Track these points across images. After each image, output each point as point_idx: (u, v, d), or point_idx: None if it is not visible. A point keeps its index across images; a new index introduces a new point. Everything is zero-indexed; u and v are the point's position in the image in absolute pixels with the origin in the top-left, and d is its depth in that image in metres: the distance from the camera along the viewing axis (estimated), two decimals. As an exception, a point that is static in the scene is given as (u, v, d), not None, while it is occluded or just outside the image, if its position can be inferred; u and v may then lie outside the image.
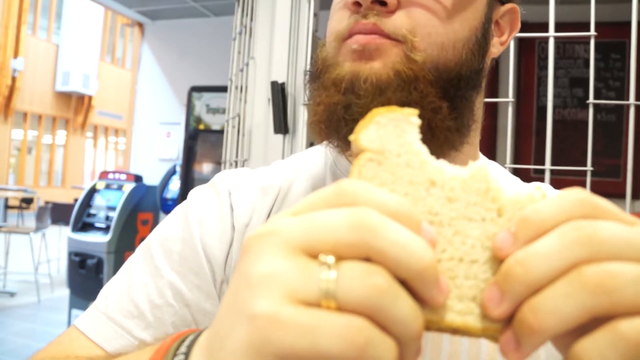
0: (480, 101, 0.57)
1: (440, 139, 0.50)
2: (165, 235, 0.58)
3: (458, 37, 0.51)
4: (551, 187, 0.65)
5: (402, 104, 0.47)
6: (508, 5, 0.57)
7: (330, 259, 0.24)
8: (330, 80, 0.50)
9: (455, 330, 0.27)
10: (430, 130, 0.49)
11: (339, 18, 0.52)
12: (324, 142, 0.56)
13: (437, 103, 0.49)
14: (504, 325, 0.26)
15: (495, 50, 0.57)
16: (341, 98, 0.49)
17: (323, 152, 0.64)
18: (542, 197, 0.29)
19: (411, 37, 0.49)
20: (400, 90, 0.48)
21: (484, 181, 0.29)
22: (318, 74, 0.53)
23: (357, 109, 0.48)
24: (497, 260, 0.27)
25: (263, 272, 0.24)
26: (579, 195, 0.27)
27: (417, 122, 0.30)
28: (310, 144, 2.21)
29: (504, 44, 0.58)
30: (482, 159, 0.64)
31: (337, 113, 0.49)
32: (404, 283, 0.25)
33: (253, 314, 0.23)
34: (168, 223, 0.60)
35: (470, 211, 0.29)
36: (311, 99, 0.55)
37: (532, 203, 0.28)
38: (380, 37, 0.49)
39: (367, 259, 0.24)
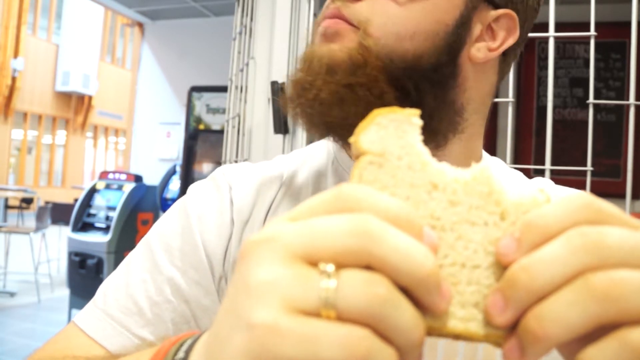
0: (469, 102, 0.56)
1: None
2: (165, 231, 0.58)
3: (420, 29, 0.51)
4: (552, 182, 0.65)
5: (350, 86, 0.50)
6: (501, 10, 0.54)
7: (330, 267, 0.24)
8: (301, 60, 0.55)
9: (458, 336, 0.27)
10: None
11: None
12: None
13: (384, 88, 0.51)
14: (507, 331, 0.26)
15: (479, 54, 0.54)
16: (302, 76, 0.53)
17: (325, 148, 0.64)
18: (546, 200, 0.28)
19: (365, 25, 0.51)
20: (349, 73, 0.51)
21: (487, 184, 0.29)
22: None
23: (311, 88, 0.52)
24: (500, 266, 0.27)
25: (262, 279, 0.24)
26: (584, 200, 0.26)
27: (419, 123, 0.29)
28: (310, 144, 2.20)
29: (493, 50, 0.55)
30: (485, 158, 0.64)
31: (297, 90, 0.53)
32: (406, 290, 0.24)
33: (252, 323, 0.23)
34: (167, 218, 0.60)
35: (472, 215, 0.28)
36: None
37: (536, 206, 0.28)
38: (341, 21, 0.52)
39: (368, 267, 0.24)
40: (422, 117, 0.49)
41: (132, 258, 0.58)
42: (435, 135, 0.54)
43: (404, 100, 0.51)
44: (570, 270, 0.24)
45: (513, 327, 0.26)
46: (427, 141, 0.53)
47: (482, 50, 0.54)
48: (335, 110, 0.51)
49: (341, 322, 0.23)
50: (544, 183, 0.65)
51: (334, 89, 0.50)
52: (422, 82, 0.52)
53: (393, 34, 0.51)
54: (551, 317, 0.24)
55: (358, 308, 0.23)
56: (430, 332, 0.26)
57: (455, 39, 0.53)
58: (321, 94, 0.51)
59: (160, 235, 0.58)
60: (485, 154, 0.64)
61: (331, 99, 0.51)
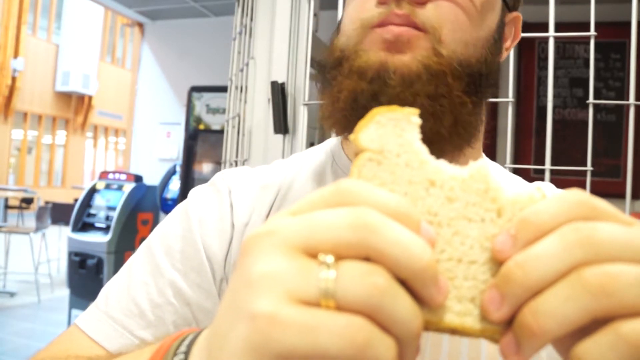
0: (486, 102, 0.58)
1: (464, 135, 0.51)
2: (166, 234, 0.58)
3: (480, 35, 0.52)
4: (552, 186, 0.65)
5: (431, 96, 0.48)
6: (514, 13, 0.58)
7: (330, 259, 0.24)
8: (355, 67, 0.50)
9: (454, 331, 0.27)
10: (456, 125, 0.49)
11: (363, 6, 0.52)
12: (337, 136, 0.56)
13: (462, 98, 0.50)
14: (503, 326, 0.26)
15: (503, 56, 0.58)
16: (367, 86, 0.48)
17: (324, 152, 0.64)
18: (542, 197, 0.28)
19: (438, 31, 0.49)
20: (428, 83, 0.48)
21: (484, 181, 0.29)
22: (337, 62, 0.52)
23: (385, 98, 0.48)
24: (496, 262, 0.27)
25: (262, 271, 0.24)
26: (578, 197, 0.27)
27: (418, 121, 0.30)
28: (311, 144, 2.21)
29: (507, 50, 0.58)
30: (484, 159, 0.64)
31: (361, 101, 0.49)
32: (403, 283, 0.25)
33: (253, 314, 0.23)
34: (169, 222, 0.60)
35: (469, 211, 0.28)
36: (325, 90, 0.54)
37: (532, 204, 0.28)
38: (411, 28, 0.49)
39: (367, 259, 0.24)
40: (472, 123, 0.50)
41: (133, 261, 0.58)
42: (478, 134, 0.55)
43: (475, 108, 0.52)
44: (565, 266, 0.25)
45: (509, 323, 0.26)
46: (472, 141, 0.52)
47: (504, 52, 0.57)
48: (428, 124, 0.48)
49: (341, 312, 0.23)
50: (544, 186, 0.65)
51: (419, 102, 0.48)
52: (481, 87, 0.52)
53: (462, 41, 0.50)
54: (546, 312, 0.24)
55: (357, 298, 0.23)
56: (427, 326, 0.27)
57: (500, 43, 0.55)
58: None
59: (162, 239, 0.58)
60: (485, 158, 0.64)
61: (422, 114, 0.49)
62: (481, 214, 0.28)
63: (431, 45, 0.49)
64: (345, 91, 0.50)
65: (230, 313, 0.25)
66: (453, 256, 0.28)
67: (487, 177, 0.29)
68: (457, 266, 0.28)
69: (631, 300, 0.24)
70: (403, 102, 0.47)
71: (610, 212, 0.27)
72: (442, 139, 0.49)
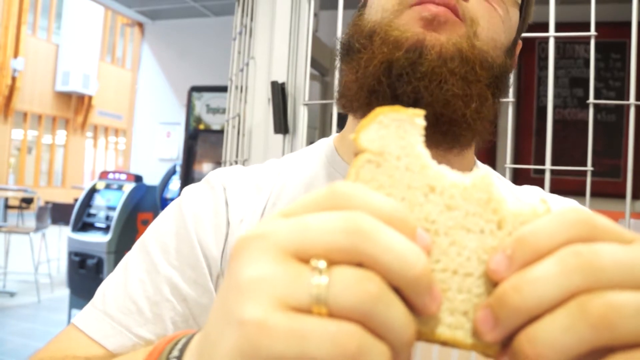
0: None
1: (482, 128, 0.53)
2: (161, 232, 0.58)
3: (502, 41, 0.54)
4: (541, 190, 0.65)
5: (462, 78, 0.49)
6: (520, 42, 0.61)
7: (322, 264, 0.24)
8: (390, 38, 0.50)
9: (445, 343, 0.26)
10: (479, 113, 0.51)
11: None
12: (343, 110, 0.56)
13: (486, 91, 0.52)
14: (497, 344, 0.26)
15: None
16: (404, 55, 0.49)
17: (317, 152, 0.64)
18: (545, 211, 0.27)
19: (475, 24, 0.51)
20: (460, 66, 0.49)
21: (486, 191, 0.28)
22: (368, 34, 0.52)
23: (423, 69, 0.48)
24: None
25: (252, 276, 0.24)
26: (578, 216, 0.26)
27: (422, 123, 0.29)
28: (310, 144, 2.20)
29: (513, 67, 0.61)
30: (481, 165, 0.64)
31: (396, 70, 0.49)
32: (397, 290, 0.24)
33: (242, 320, 0.23)
34: (162, 219, 0.60)
35: (469, 221, 0.27)
36: (351, 59, 0.54)
37: (535, 217, 0.27)
38: (451, 12, 0.50)
39: (360, 265, 0.24)
40: (490, 120, 0.51)
41: (129, 259, 0.58)
42: (486, 138, 0.56)
43: (493, 105, 0.54)
44: (564, 292, 0.24)
45: (502, 341, 0.25)
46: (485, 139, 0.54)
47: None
48: (457, 103, 0.50)
49: (332, 319, 0.23)
50: (535, 191, 0.65)
51: (453, 80, 0.49)
52: (498, 90, 0.55)
53: (490, 40, 0.53)
54: (544, 341, 0.23)
55: (349, 305, 0.23)
56: (419, 336, 0.26)
57: (513, 54, 0.58)
58: (447, 85, 0.49)
59: (156, 236, 0.58)
60: (480, 163, 0.64)
61: (456, 92, 0.49)
62: (481, 224, 0.27)
63: (467, 34, 0.51)
64: (379, 58, 0.50)
65: (220, 318, 0.24)
66: (448, 267, 0.27)
67: (490, 186, 0.28)
68: (451, 278, 0.27)
69: (633, 332, 0.23)
70: (438, 77, 0.48)
71: (611, 231, 0.26)
72: (466, 122, 0.51)
